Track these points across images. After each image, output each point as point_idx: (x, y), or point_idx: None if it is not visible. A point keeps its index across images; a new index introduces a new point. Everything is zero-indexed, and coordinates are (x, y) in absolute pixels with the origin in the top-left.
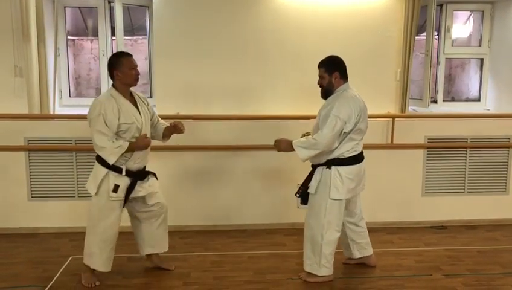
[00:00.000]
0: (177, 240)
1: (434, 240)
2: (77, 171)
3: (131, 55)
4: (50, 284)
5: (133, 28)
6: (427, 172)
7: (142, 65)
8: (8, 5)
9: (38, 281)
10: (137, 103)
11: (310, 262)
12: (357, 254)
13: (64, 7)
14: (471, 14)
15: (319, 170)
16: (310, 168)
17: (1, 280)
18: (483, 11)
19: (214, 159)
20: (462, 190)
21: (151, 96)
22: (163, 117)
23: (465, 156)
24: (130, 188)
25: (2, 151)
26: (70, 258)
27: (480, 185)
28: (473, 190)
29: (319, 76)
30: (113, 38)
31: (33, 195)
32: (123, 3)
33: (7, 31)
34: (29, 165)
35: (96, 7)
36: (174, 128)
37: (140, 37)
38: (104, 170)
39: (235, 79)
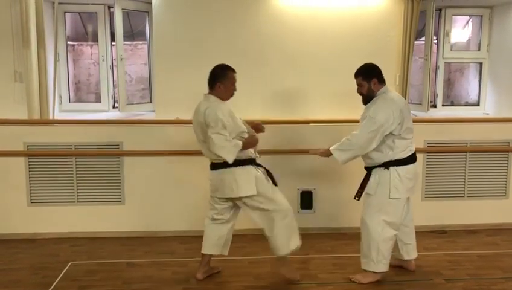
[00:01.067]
0: (177, 245)
1: (434, 244)
2: (77, 177)
3: (235, 71)
4: None
5: (133, 33)
6: (426, 176)
7: (141, 70)
8: (8, 11)
9: (37, 287)
10: None
11: (366, 260)
12: (405, 256)
13: (64, 12)
14: (470, 19)
15: (376, 171)
16: (308, 172)
17: (1, 285)
18: (482, 16)
19: None
20: (462, 194)
21: (150, 101)
22: (163, 122)
23: (465, 161)
24: (268, 172)
25: (2, 156)
26: (70, 264)
27: (480, 189)
28: (472, 194)
29: (358, 84)
30: (113, 43)
31: (32, 200)
32: (123, 9)
33: (7, 36)
34: (29, 171)
35: (96, 12)
36: (256, 127)
37: (140, 42)
38: (246, 168)
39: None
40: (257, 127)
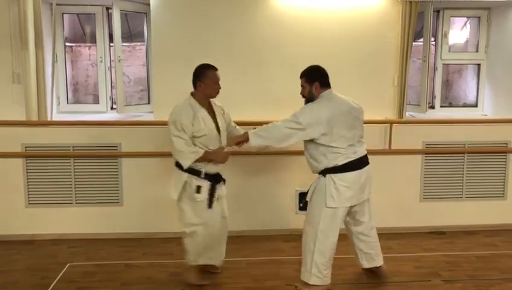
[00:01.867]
0: (175, 247)
1: (432, 245)
2: (75, 178)
3: (216, 69)
4: None
5: (131, 35)
6: (425, 178)
7: (139, 71)
8: (6, 12)
9: (36, 288)
10: (215, 111)
11: (303, 269)
12: (365, 264)
13: (62, 14)
14: (468, 20)
15: (316, 178)
16: (306, 174)
17: None
18: (479, 17)
19: None
20: (460, 196)
21: (148, 103)
22: (162, 124)
23: (463, 162)
24: (212, 189)
25: (0, 157)
26: (68, 265)
27: (478, 190)
28: (471, 195)
29: (301, 86)
30: (111, 44)
31: (30, 202)
32: (121, 10)
33: (5, 37)
34: (27, 172)
35: (94, 14)
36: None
37: (138, 44)
38: (184, 175)
39: (232, 85)
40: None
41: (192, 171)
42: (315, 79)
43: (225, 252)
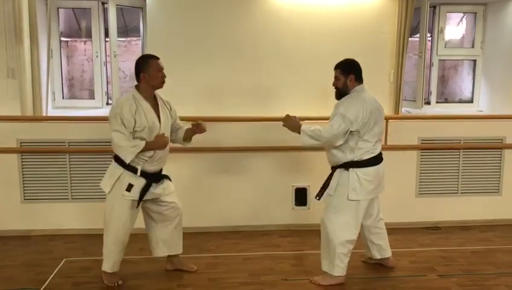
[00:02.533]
0: None
1: (428, 240)
2: (70, 173)
3: (158, 58)
4: (43, 287)
5: (127, 29)
6: (420, 173)
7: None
8: (0, 7)
9: (31, 284)
10: (160, 106)
11: (325, 262)
12: (376, 255)
13: (58, 8)
14: (464, 16)
15: (337, 171)
16: (303, 169)
17: None
18: (476, 13)
19: (207, 161)
20: (456, 191)
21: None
22: None
23: (459, 157)
24: (145, 189)
25: None
26: (64, 260)
27: (473, 186)
28: (466, 190)
29: (335, 77)
30: (107, 39)
31: (26, 197)
32: (117, 5)
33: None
34: (22, 168)
35: (89, 8)
36: (197, 128)
37: (134, 38)
38: (120, 169)
39: (228, 80)
40: (197, 127)
41: (129, 168)
42: (350, 72)
43: (218, 247)
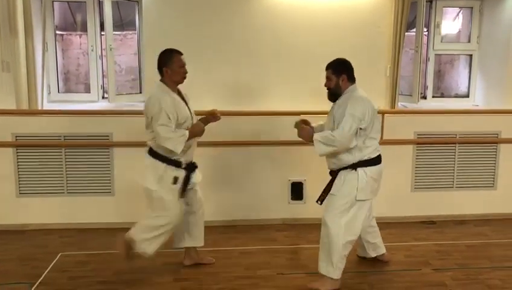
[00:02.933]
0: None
1: (423, 235)
2: (66, 168)
3: (181, 53)
4: (39, 281)
5: (123, 23)
6: (416, 168)
7: (131, 60)
8: None
9: (27, 278)
10: (185, 98)
11: (325, 264)
12: (372, 254)
13: (53, 1)
14: (460, 11)
15: (342, 173)
16: (299, 163)
17: None
18: (472, 8)
19: (204, 155)
20: (451, 185)
21: (140, 92)
22: None
23: (454, 152)
24: (186, 180)
25: None
26: (59, 254)
27: (469, 180)
28: (461, 185)
29: (326, 77)
30: (102, 33)
31: (21, 191)
32: None
33: None
34: (17, 161)
35: (85, 1)
36: (212, 117)
37: (130, 32)
38: (161, 164)
39: (225, 74)
40: (212, 116)
41: (173, 162)
42: (342, 71)
43: (215, 241)
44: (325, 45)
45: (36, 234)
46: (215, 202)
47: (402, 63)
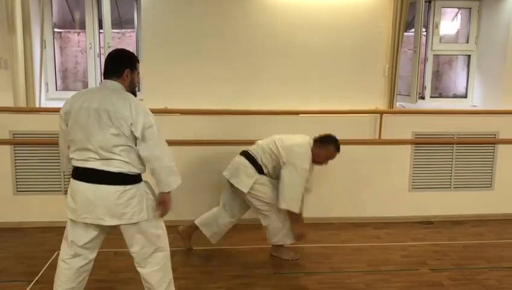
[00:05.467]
0: None
1: (420, 235)
2: None
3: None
4: (36, 279)
5: (121, 21)
6: (414, 168)
7: None
8: None
9: (23, 276)
10: None
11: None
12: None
13: None
14: (459, 11)
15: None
16: None
17: None
18: (470, 8)
19: (201, 154)
20: (449, 186)
21: (139, 90)
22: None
23: (452, 152)
24: None
25: None
26: (57, 252)
27: (466, 180)
28: (459, 185)
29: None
30: (101, 31)
31: (18, 189)
32: None
33: None
34: (15, 159)
35: None
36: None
37: (128, 30)
38: (252, 169)
39: (223, 73)
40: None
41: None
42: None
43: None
44: (324, 45)
45: (33, 232)
46: (211, 202)
47: (400, 63)
